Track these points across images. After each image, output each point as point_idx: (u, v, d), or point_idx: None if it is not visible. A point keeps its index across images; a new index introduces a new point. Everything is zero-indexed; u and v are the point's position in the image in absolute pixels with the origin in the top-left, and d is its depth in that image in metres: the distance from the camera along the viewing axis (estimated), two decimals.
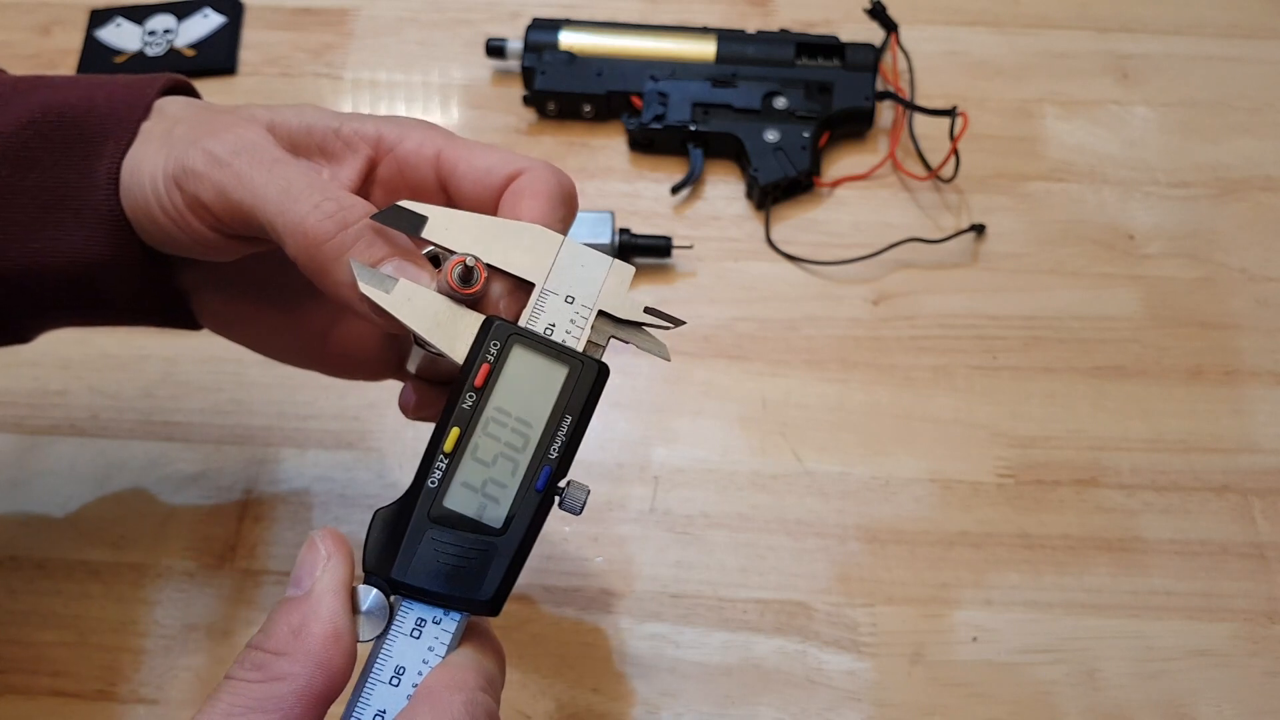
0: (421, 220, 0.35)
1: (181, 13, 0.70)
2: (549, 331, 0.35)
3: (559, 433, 0.34)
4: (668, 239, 0.60)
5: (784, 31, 0.67)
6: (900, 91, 0.66)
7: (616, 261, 0.36)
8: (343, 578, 0.33)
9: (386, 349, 0.44)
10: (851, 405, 0.57)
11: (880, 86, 0.65)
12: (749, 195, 0.63)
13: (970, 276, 0.61)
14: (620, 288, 0.35)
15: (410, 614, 0.33)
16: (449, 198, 0.39)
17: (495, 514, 0.34)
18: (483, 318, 0.34)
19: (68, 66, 0.68)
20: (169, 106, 0.39)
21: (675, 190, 0.63)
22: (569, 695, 0.50)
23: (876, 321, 0.59)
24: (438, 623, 0.33)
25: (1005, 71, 0.67)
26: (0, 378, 0.57)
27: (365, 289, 0.34)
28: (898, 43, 0.66)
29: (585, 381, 0.34)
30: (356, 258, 0.35)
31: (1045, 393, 0.57)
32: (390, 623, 0.33)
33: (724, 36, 0.66)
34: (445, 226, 0.35)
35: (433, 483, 0.33)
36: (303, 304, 0.44)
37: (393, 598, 0.33)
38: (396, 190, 0.39)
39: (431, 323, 0.34)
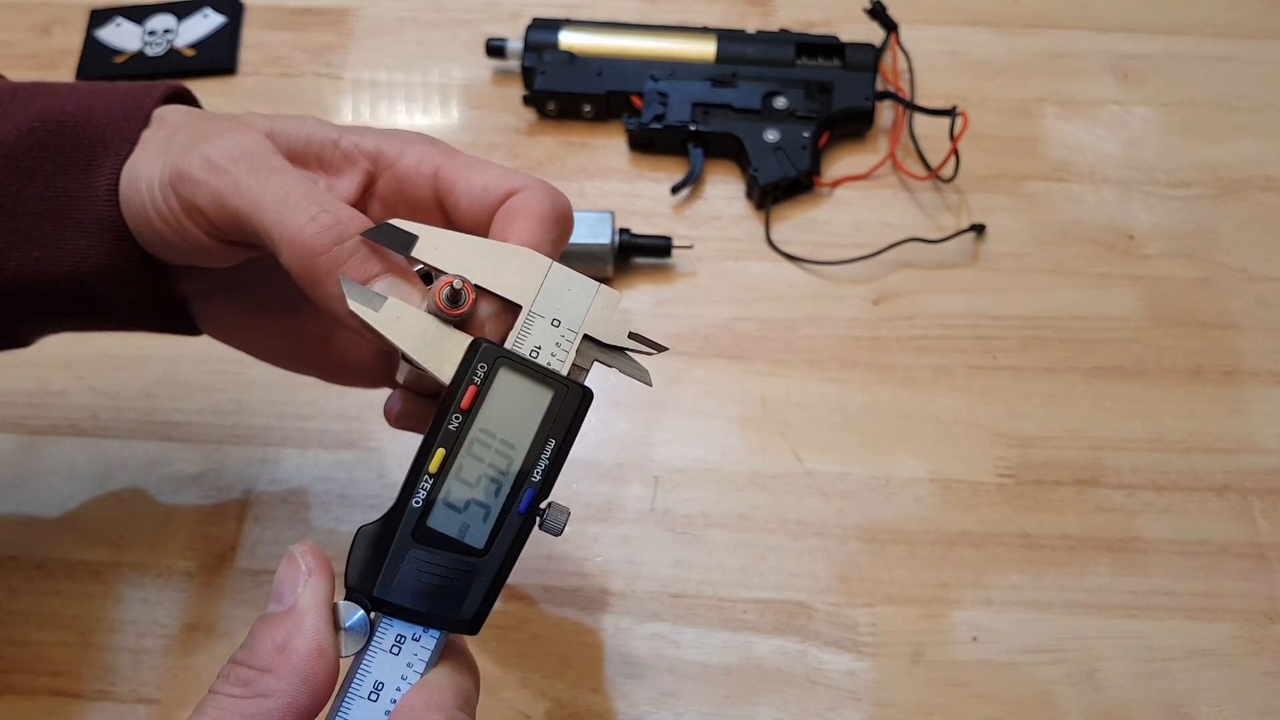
0: (412, 239, 0.35)
1: (181, 13, 0.70)
2: (535, 354, 0.35)
3: (542, 456, 0.34)
4: (668, 239, 0.60)
5: (784, 31, 0.67)
6: (900, 91, 0.66)
7: (603, 286, 0.36)
8: (325, 593, 0.33)
9: (384, 357, 0.44)
10: (851, 405, 0.57)
11: (880, 86, 0.65)
12: (749, 195, 0.63)
13: (970, 276, 0.61)
14: (606, 312, 0.36)
15: (390, 631, 0.34)
16: (446, 214, 0.39)
17: (477, 535, 0.34)
18: (470, 339, 0.35)
19: (68, 66, 0.68)
20: (169, 114, 0.39)
21: (675, 190, 0.63)
22: (569, 695, 0.50)
23: (876, 321, 0.59)
24: (417, 640, 0.34)
25: (1005, 71, 0.67)
26: (0, 378, 0.57)
27: (354, 306, 0.34)
28: (898, 43, 0.66)
29: (569, 405, 0.35)
30: (350, 273, 0.35)
31: (1045, 393, 0.57)
32: (370, 639, 0.33)
33: (724, 36, 0.66)
34: (435, 246, 0.35)
35: (417, 502, 0.34)
36: (301, 311, 0.44)
37: (373, 614, 0.34)
38: (394, 206, 0.39)
39: (419, 342, 0.34)
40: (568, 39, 0.66)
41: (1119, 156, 0.64)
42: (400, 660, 0.33)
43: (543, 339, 0.35)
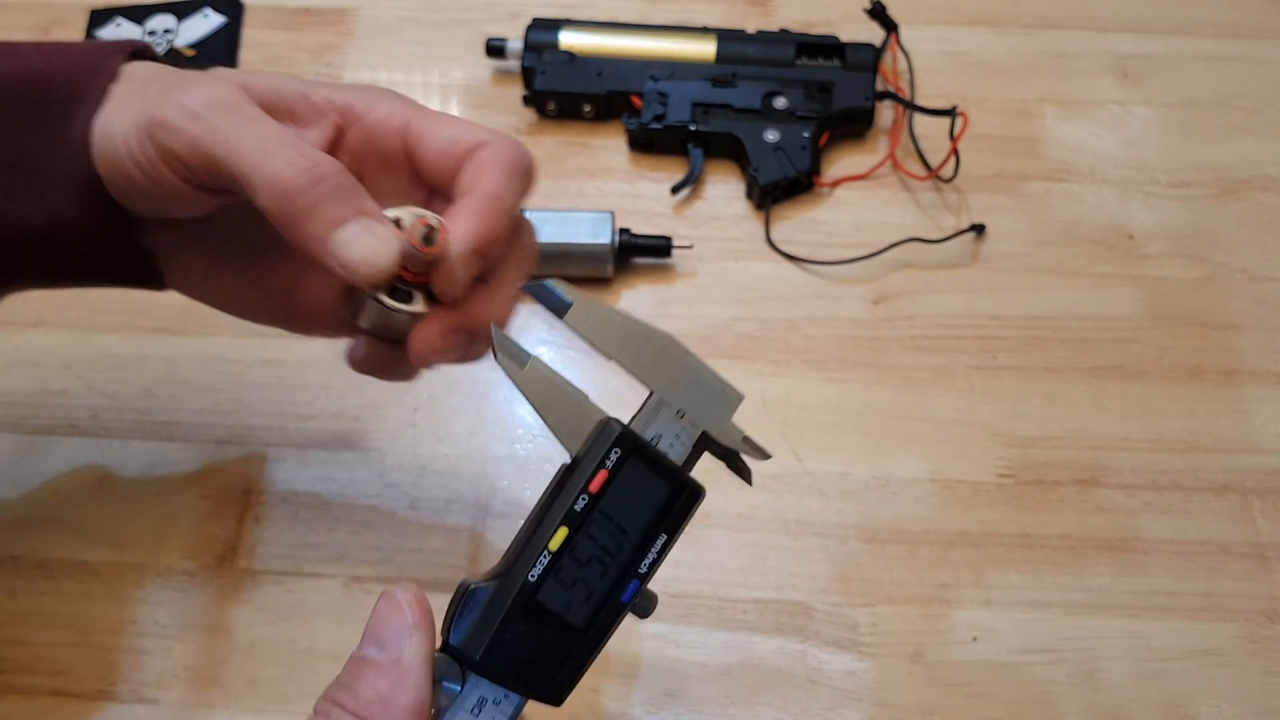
0: (567, 305, 0.36)
1: (181, 13, 0.70)
2: (655, 441, 0.36)
3: (651, 549, 0.35)
4: (668, 239, 0.60)
5: (784, 31, 0.67)
6: (900, 91, 0.66)
7: (729, 386, 0.37)
8: (430, 649, 0.34)
9: (347, 305, 0.45)
10: (851, 405, 0.57)
11: (880, 86, 0.65)
12: (749, 195, 0.63)
13: (970, 276, 0.61)
14: (727, 414, 0.37)
15: (475, 692, 0.34)
16: (415, 167, 0.40)
17: (578, 613, 0.35)
18: (600, 416, 0.35)
19: None
20: (138, 70, 0.40)
21: (675, 190, 0.63)
22: (569, 695, 0.49)
23: (876, 321, 0.59)
24: (497, 704, 0.34)
25: (1005, 71, 0.67)
26: (0, 378, 0.57)
27: (501, 360, 0.35)
28: (898, 43, 0.66)
29: (684, 502, 0.36)
30: (327, 214, 0.36)
31: (1045, 393, 0.57)
32: (458, 698, 0.34)
33: (724, 36, 0.66)
34: (584, 319, 0.36)
35: (533, 577, 0.34)
36: (267, 261, 0.44)
37: (466, 673, 0.34)
38: (364, 158, 0.40)
39: (553, 408, 0.35)
40: (568, 39, 0.66)
41: (1119, 156, 0.64)
42: None
43: (665, 428, 0.36)
